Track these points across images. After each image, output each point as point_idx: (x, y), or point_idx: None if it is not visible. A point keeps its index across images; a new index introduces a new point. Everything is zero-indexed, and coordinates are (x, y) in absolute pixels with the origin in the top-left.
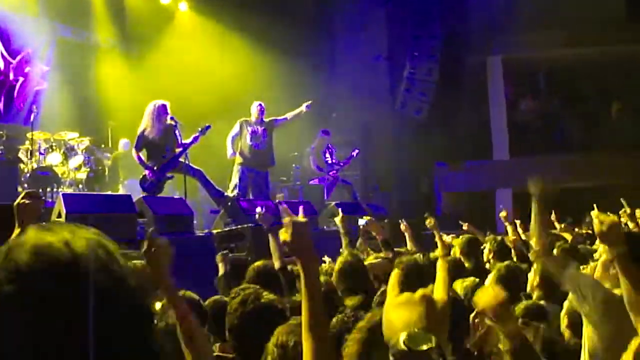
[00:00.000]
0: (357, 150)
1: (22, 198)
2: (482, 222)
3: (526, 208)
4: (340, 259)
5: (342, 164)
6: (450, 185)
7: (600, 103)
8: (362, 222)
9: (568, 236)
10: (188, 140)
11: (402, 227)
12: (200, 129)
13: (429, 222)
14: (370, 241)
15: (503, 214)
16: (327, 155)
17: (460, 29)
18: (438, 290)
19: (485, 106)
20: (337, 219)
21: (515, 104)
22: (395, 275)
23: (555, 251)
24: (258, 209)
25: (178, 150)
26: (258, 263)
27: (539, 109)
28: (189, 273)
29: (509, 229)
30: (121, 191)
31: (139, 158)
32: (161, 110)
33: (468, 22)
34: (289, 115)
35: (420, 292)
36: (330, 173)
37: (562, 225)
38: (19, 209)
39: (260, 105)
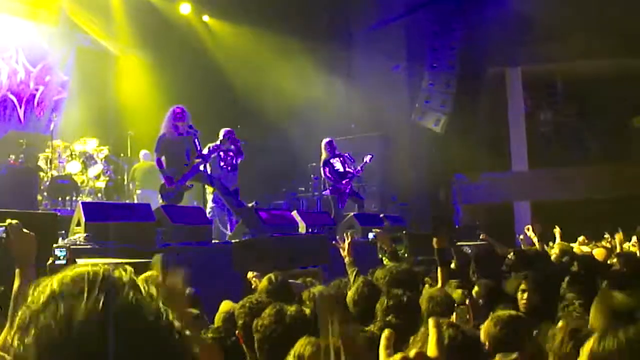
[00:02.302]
0: (370, 156)
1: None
2: (501, 235)
3: (545, 220)
4: (354, 289)
5: (355, 172)
6: (468, 197)
7: (620, 115)
8: (371, 235)
9: (588, 250)
10: (207, 151)
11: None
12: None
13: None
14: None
15: (530, 233)
16: (339, 164)
17: (479, 41)
18: (431, 349)
19: (504, 118)
20: (342, 252)
21: (534, 116)
22: (385, 337)
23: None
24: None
25: (197, 160)
26: (271, 274)
27: (558, 121)
28: (206, 282)
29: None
30: (135, 201)
31: (159, 163)
32: (178, 114)
33: (487, 33)
34: None
35: (413, 351)
36: (344, 182)
37: (581, 239)
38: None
39: (229, 131)
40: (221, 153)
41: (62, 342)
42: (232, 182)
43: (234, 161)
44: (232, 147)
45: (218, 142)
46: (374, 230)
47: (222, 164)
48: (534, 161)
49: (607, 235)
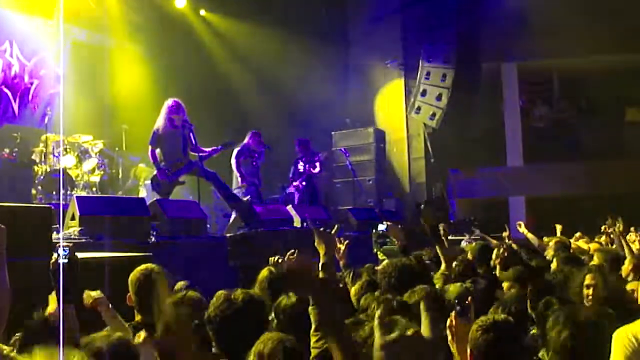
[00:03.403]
0: (322, 155)
1: None
2: (496, 229)
3: (540, 215)
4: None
5: (307, 172)
6: (463, 192)
7: (615, 110)
8: (382, 227)
9: (584, 245)
10: (208, 149)
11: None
12: (222, 143)
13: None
14: (384, 247)
15: (523, 229)
16: (301, 164)
17: (475, 35)
18: (425, 329)
19: (500, 112)
20: (337, 255)
21: (530, 111)
22: (378, 315)
23: (554, 261)
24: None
25: (192, 154)
26: (271, 267)
27: (553, 116)
28: (201, 276)
29: (530, 236)
30: (142, 192)
31: (153, 155)
32: (172, 108)
33: (483, 28)
34: None
35: (411, 331)
36: (297, 182)
37: (578, 235)
38: None
39: (257, 133)
40: (251, 152)
41: None
42: (256, 178)
43: (259, 161)
44: (258, 147)
45: (245, 142)
46: (385, 222)
47: (253, 163)
48: (530, 156)
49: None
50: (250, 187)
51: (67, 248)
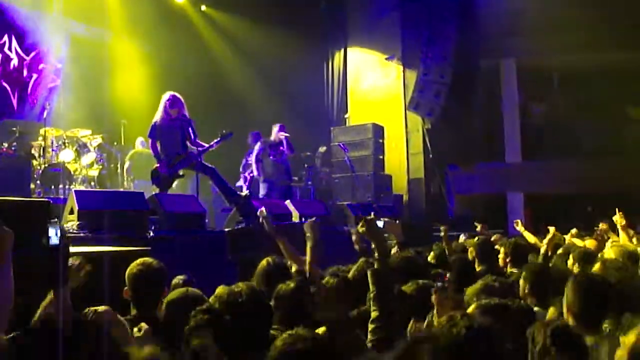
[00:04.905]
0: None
1: None
2: (494, 225)
3: (538, 211)
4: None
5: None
6: (462, 188)
7: (614, 108)
8: (380, 223)
9: (580, 242)
10: (206, 144)
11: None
12: (220, 135)
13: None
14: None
15: (520, 227)
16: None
17: (474, 32)
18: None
19: (498, 109)
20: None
21: (528, 108)
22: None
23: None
24: (261, 210)
25: (192, 148)
26: (269, 258)
27: (552, 113)
28: (200, 270)
29: (526, 234)
30: (131, 189)
31: (153, 147)
32: (171, 101)
33: (482, 25)
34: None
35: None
36: (247, 173)
37: (573, 231)
38: None
39: (281, 126)
40: (270, 147)
41: None
42: (281, 174)
43: (283, 155)
44: (282, 141)
45: (271, 137)
46: (382, 219)
47: (271, 157)
48: (528, 153)
49: (601, 226)
50: (266, 181)
51: (57, 230)
